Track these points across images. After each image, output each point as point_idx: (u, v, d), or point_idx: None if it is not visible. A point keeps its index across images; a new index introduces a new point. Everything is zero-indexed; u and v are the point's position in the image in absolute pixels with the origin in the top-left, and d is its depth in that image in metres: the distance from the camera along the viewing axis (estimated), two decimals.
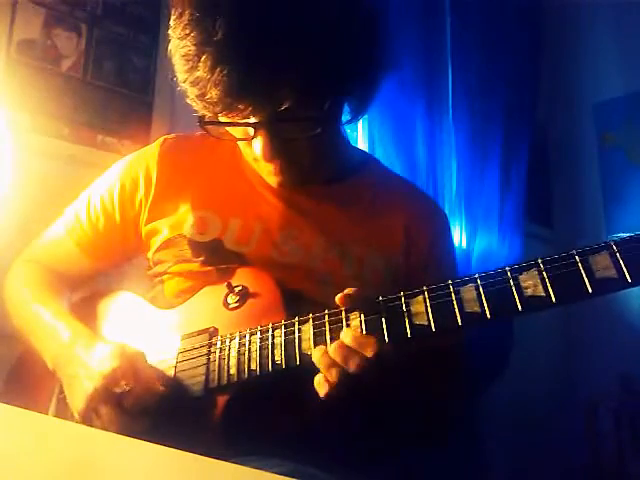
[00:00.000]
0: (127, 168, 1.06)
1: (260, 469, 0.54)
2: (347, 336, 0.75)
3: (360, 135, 2.00)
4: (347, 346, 0.74)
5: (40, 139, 1.42)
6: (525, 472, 2.09)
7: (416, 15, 2.09)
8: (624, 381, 2.22)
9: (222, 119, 0.85)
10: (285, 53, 0.77)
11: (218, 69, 0.77)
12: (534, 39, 2.48)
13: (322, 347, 0.76)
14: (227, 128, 0.89)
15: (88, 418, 0.81)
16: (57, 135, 1.45)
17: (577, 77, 2.69)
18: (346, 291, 0.78)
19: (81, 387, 0.82)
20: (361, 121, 1.99)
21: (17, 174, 1.27)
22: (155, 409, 0.79)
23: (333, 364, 0.74)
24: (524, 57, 2.39)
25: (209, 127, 0.88)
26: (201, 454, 0.49)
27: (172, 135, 1.10)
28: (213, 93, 0.79)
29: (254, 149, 0.87)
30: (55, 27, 1.49)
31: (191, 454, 0.49)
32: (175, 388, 0.84)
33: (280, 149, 0.86)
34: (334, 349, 0.75)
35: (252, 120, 0.83)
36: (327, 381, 0.74)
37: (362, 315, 0.78)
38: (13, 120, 1.35)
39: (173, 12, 0.83)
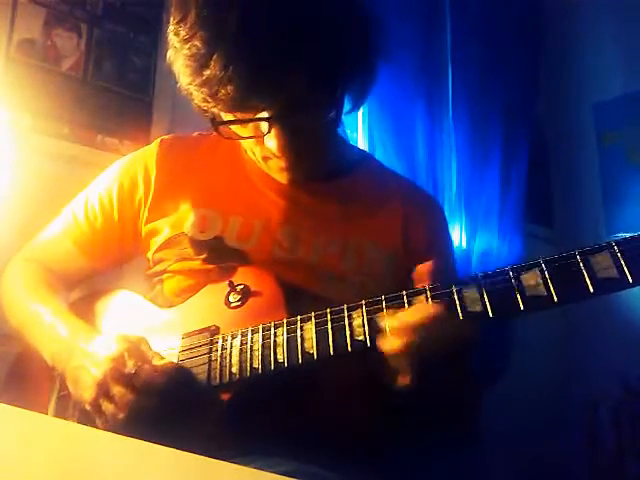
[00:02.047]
0: (125, 168, 1.06)
1: (262, 468, 0.54)
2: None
3: (360, 135, 2.00)
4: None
5: (40, 139, 1.42)
6: (525, 472, 2.09)
7: (416, 15, 2.09)
8: (624, 381, 2.22)
9: (229, 118, 0.86)
10: (295, 42, 0.78)
11: (232, 65, 0.77)
12: (534, 39, 2.48)
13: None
14: (235, 129, 0.89)
15: (99, 406, 0.80)
16: (57, 135, 1.45)
17: (577, 77, 2.69)
18: None
19: (89, 375, 0.82)
20: (361, 121, 1.99)
21: (17, 174, 1.27)
22: (164, 388, 0.79)
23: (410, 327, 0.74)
24: (524, 57, 2.39)
25: (222, 128, 0.88)
26: (201, 454, 0.49)
27: (170, 135, 1.10)
28: (227, 89, 0.78)
29: (268, 145, 0.87)
30: (55, 27, 1.49)
31: (191, 454, 0.48)
32: (181, 375, 0.84)
33: (293, 142, 0.86)
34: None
35: (265, 115, 0.83)
36: (403, 345, 0.73)
37: (365, 314, 0.78)
38: (13, 120, 1.35)
39: (173, 17, 0.83)
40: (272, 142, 0.86)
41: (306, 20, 0.79)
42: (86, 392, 0.82)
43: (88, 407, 0.82)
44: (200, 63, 0.79)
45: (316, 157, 0.93)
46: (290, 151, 0.88)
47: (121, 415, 0.78)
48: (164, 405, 0.78)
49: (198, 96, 0.83)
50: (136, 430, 0.74)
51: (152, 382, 0.79)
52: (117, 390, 0.78)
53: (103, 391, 0.80)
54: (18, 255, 1.10)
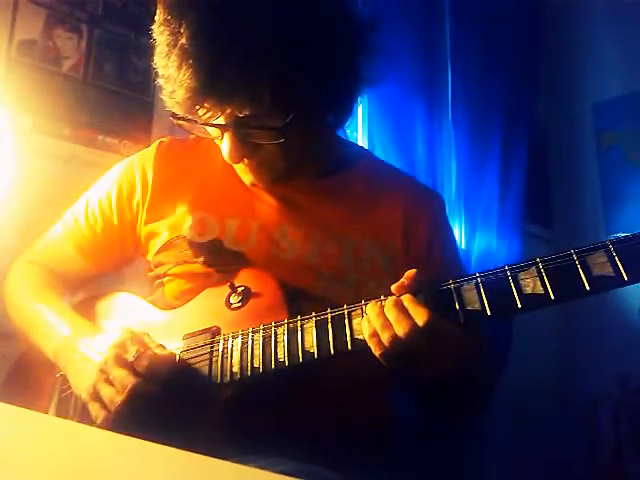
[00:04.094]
0: (124, 171, 1.07)
1: (263, 468, 0.54)
2: (406, 298, 0.76)
3: (360, 135, 2.00)
4: (403, 306, 0.75)
5: (41, 139, 1.42)
6: (524, 472, 2.09)
7: (416, 15, 2.09)
8: (623, 381, 2.22)
9: (192, 117, 0.88)
10: (246, 62, 0.79)
11: (182, 70, 0.80)
12: (534, 39, 2.48)
13: (378, 304, 0.77)
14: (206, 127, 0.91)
15: (97, 393, 0.80)
16: (58, 135, 1.45)
17: (577, 77, 2.69)
18: (402, 279, 0.78)
19: (91, 363, 0.83)
20: (361, 121, 2.00)
21: (18, 174, 1.27)
22: (167, 376, 0.80)
23: (387, 326, 0.75)
24: (523, 57, 2.39)
25: (181, 122, 0.90)
26: (203, 453, 0.49)
27: (168, 138, 1.11)
28: (179, 92, 0.82)
29: (222, 150, 0.89)
30: (56, 28, 1.49)
31: (191, 453, 0.49)
32: (183, 368, 0.84)
33: (246, 152, 0.89)
34: (390, 306, 0.76)
35: (218, 121, 0.85)
36: (381, 342, 0.75)
37: (365, 313, 0.78)
38: (14, 120, 1.35)
39: (158, 8, 0.86)
40: (223, 147, 0.88)
41: (260, 47, 0.80)
42: (85, 380, 0.82)
43: (85, 395, 0.82)
44: (165, 61, 0.83)
45: (284, 163, 0.93)
46: (243, 159, 0.90)
47: (119, 398, 0.77)
48: (164, 393, 0.78)
49: (165, 90, 0.86)
50: (134, 419, 0.74)
51: (154, 368, 0.79)
52: (118, 373, 0.79)
53: (104, 376, 0.80)
54: (21, 258, 1.10)
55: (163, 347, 0.85)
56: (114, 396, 0.78)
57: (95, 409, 0.80)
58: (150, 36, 0.87)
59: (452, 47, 2.20)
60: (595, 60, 2.63)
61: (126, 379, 0.78)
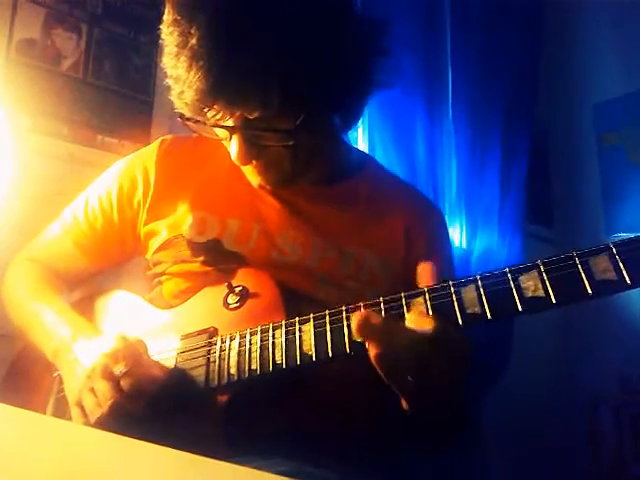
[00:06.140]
0: (125, 169, 1.07)
1: (262, 469, 0.54)
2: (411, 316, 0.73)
3: (360, 135, 2.00)
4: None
5: (40, 139, 1.42)
6: (525, 473, 2.09)
7: (416, 15, 2.09)
8: (624, 381, 2.22)
9: (200, 118, 0.87)
10: (257, 65, 0.79)
11: (192, 72, 0.80)
12: (534, 39, 2.47)
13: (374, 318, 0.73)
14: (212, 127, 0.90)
15: (81, 401, 0.80)
16: (57, 135, 1.45)
17: (577, 77, 2.68)
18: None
19: (81, 368, 0.82)
20: (361, 121, 1.99)
21: (17, 174, 1.27)
22: (153, 396, 0.79)
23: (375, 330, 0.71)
24: (524, 57, 2.39)
25: (188, 124, 0.90)
26: (201, 454, 0.49)
27: (170, 136, 1.10)
28: (188, 93, 0.82)
29: (230, 151, 0.89)
30: (55, 27, 1.49)
31: (191, 454, 0.48)
32: (175, 382, 0.84)
33: (255, 153, 0.88)
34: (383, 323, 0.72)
35: (227, 123, 0.85)
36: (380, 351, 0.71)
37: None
38: (13, 120, 1.35)
39: (166, 8, 0.86)
40: (233, 150, 0.88)
41: (271, 49, 0.80)
42: (74, 384, 0.82)
43: (70, 398, 0.82)
44: (174, 61, 0.83)
45: (292, 166, 0.92)
46: (252, 160, 0.89)
47: (100, 411, 0.77)
48: (149, 413, 0.77)
49: (173, 91, 0.86)
50: (115, 428, 0.74)
51: (139, 388, 0.78)
52: (101, 385, 0.78)
53: (89, 384, 0.79)
54: (19, 255, 1.10)
55: (155, 362, 0.83)
56: (94, 408, 0.78)
57: (76, 415, 0.81)
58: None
59: (452, 47, 2.20)
60: (595, 60, 2.63)
61: (108, 393, 0.77)
